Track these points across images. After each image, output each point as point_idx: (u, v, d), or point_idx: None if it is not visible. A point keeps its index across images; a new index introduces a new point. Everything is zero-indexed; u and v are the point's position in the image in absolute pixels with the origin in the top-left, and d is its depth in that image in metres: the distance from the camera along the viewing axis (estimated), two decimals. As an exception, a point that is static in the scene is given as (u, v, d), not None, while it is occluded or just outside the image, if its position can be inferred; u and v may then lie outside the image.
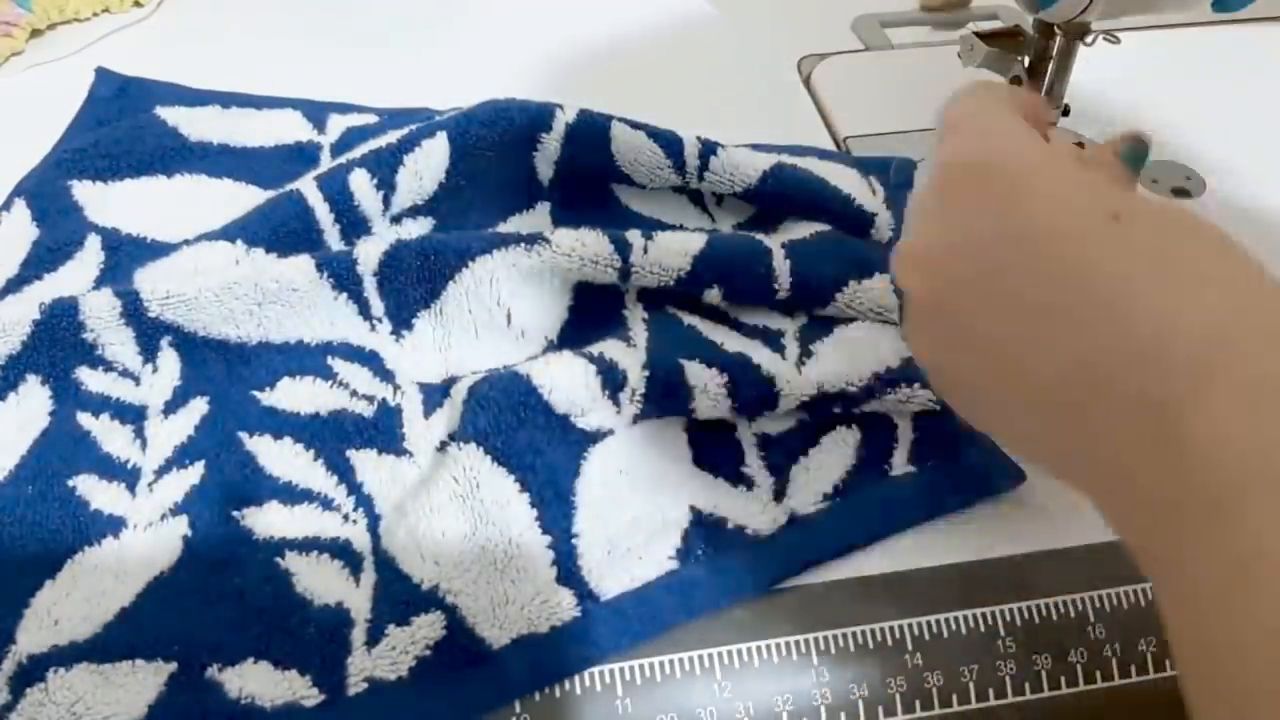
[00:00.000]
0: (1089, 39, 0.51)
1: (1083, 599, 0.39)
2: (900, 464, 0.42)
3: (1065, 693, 0.38)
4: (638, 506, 0.39)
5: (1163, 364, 0.26)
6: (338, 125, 0.56)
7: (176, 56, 0.60)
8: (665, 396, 0.41)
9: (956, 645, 0.38)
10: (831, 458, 0.42)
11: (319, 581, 0.36)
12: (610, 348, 0.42)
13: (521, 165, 0.50)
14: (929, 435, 0.42)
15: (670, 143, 0.50)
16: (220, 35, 0.64)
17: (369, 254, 0.44)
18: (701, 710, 0.36)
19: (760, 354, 0.43)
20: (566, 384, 0.40)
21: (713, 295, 0.45)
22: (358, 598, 0.36)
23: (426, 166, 0.48)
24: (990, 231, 0.30)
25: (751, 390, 0.41)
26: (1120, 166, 0.32)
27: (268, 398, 0.41)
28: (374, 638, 0.35)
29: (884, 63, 0.64)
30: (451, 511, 0.37)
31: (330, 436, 0.41)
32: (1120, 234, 0.28)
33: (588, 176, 0.50)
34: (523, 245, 0.44)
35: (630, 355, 0.42)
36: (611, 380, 0.41)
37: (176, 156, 0.53)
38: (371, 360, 0.44)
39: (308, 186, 0.47)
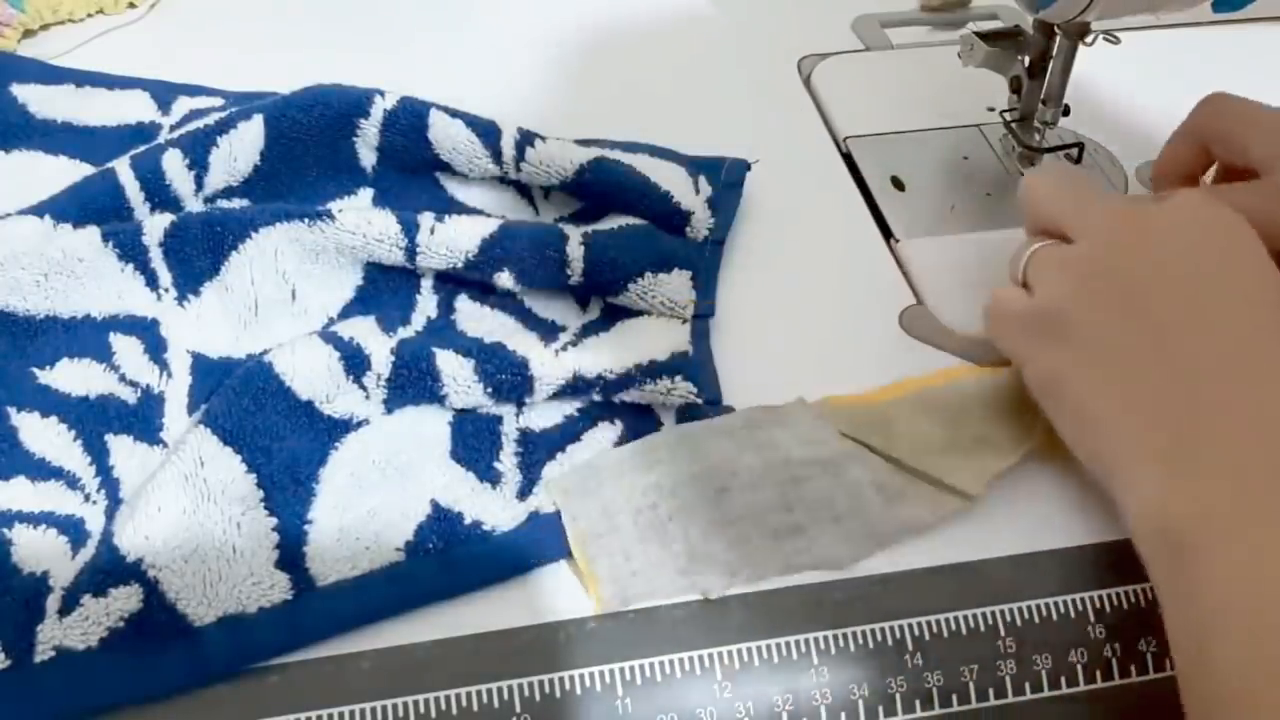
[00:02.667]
0: (1089, 39, 0.51)
1: (1083, 599, 0.39)
2: None
3: (1065, 692, 0.38)
4: (380, 497, 0.40)
5: None
6: (183, 107, 0.56)
7: (170, 58, 0.60)
8: (414, 382, 0.42)
9: (956, 645, 0.38)
10: (588, 455, 0.42)
11: (33, 553, 0.37)
12: (362, 332, 0.43)
13: (341, 150, 0.51)
14: None
15: (488, 132, 0.50)
16: (215, 36, 0.63)
17: (155, 225, 0.44)
18: (701, 710, 0.36)
19: (521, 340, 0.44)
20: (307, 370, 0.41)
21: (504, 279, 0.46)
22: (65, 569, 0.37)
23: (241, 148, 0.49)
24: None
25: (503, 375, 0.42)
26: None
27: (45, 376, 0.42)
28: (68, 606, 0.36)
29: (884, 63, 0.64)
30: (173, 488, 0.38)
31: (93, 419, 0.41)
32: None
33: (411, 164, 0.51)
34: (306, 220, 0.45)
35: (380, 340, 0.43)
36: (355, 365, 0.42)
37: (19, 133, 0.53)
38: (150, 331, 0.44)
39: (121, 165, 0.47)
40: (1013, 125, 0.56)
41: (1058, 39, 0.52)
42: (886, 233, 0.53)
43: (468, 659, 0.36)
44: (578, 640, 0.37)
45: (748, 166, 0.53)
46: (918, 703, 0.37)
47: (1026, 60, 0.54)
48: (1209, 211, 0.39)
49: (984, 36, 0.54)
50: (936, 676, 0.37)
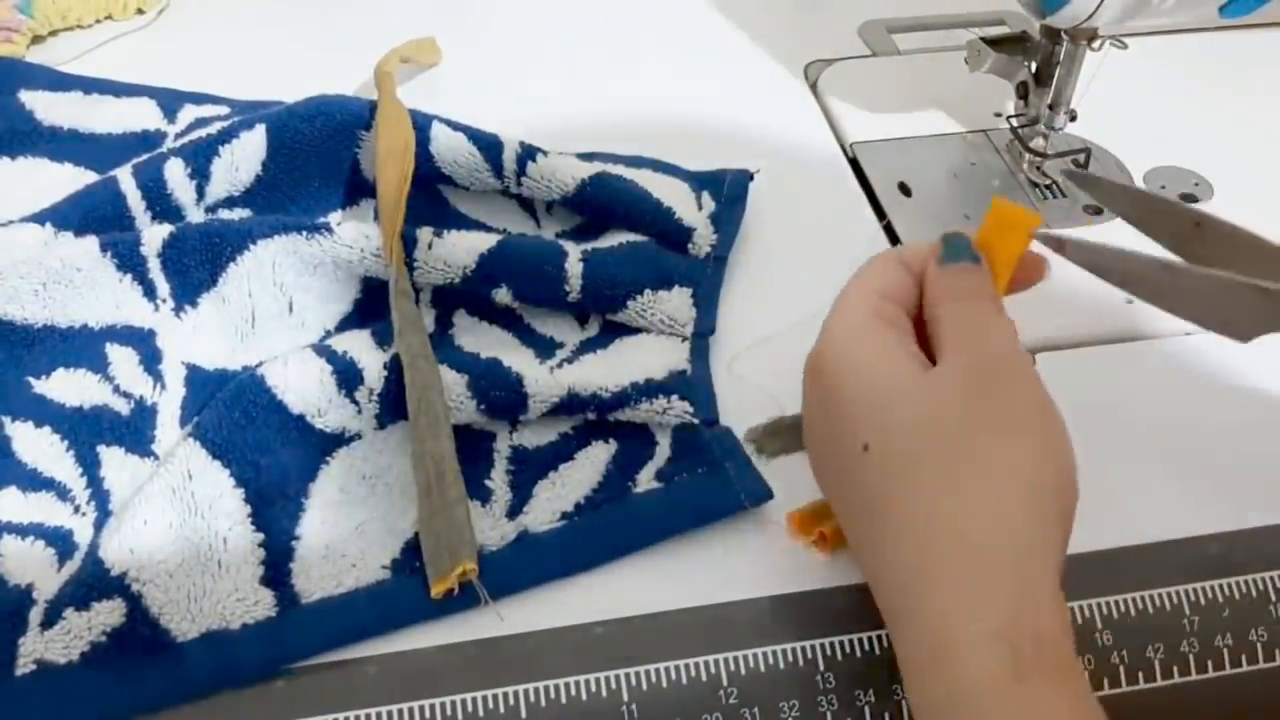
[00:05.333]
0: (1095, 44, 0.51)
1: (1090, 605, 0.39)
2: (646, 481, 0.41)
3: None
4: (368, 513, 0.40)
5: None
6: (189, 115, 0.56)
7: (178, 64, 0.60)
8: (405, 397, 0.41)
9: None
10: (581, 474, 0.41)
11: (19, 564, 0.36)
12: (356, 346, 0.43)
13: (343, 161, 0.50)
14: (685, 450, 0.42)
15: (489, 146, 0.50)
16: (223, 43, 0.64)
17: (154, 235, 0.44)
18: (708, 716, 0.36)
19: (516, 356, 0.44)
20: (299, 383, 0.41)
21: (502, 295, 0.46)
22: (50, 581, 0.37)
23: (243, 157, 0.48)
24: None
25: (497, 391, 0.42)
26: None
27: (41, 385, 0.42)
28: (50, 620, 0.35)
29: (891, 68, 0.64)
30: (160, 501, 0.38)
31: (86, 430, 0.41)
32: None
33: (414, 176, 0.50)
34: (304, 233, 0.45)
35: (373, 354, 0.43)
36: (348, 379, 0.41)
37: (26, 139, 0.54)
38: (146, 342, 0.44)
39: (124, 174, 0.47)
40: (1020, 131, 0.56)
41: (1064, 44, 0.52)
42: (895, 240, 0.53)
43: (473, 664, 0.36)
44: (584, 645, 0.37)
45: (750, 177, 0.53)
46: (925, 709, 0.37)
47: (1033, 66, 0.54)
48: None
49: (991, 42, 0.54)
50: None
